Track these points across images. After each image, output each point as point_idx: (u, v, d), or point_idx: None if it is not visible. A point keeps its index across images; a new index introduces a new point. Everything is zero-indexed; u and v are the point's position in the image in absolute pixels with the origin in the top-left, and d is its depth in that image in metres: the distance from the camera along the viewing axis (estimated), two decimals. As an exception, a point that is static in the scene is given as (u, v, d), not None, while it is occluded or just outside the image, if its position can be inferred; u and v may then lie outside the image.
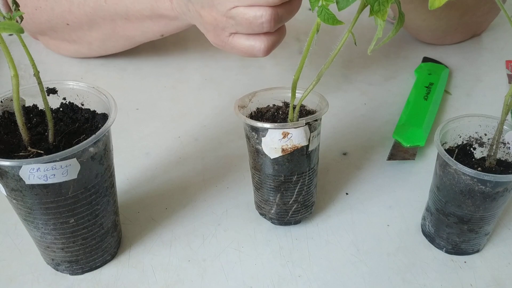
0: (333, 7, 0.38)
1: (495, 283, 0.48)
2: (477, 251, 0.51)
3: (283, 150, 0.46)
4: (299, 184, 0.49)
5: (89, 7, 0.65)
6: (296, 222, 0.53)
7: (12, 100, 0.40)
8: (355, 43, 0.43)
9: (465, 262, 0.50)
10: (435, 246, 0.51)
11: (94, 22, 0.67)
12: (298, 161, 0.48)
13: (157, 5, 0.62)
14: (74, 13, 0.66)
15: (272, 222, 0.53)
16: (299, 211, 0.52)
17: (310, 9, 0.43)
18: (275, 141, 0.46)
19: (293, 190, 0.50)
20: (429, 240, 0.52)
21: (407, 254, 0.51)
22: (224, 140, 0.65)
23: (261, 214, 0.54)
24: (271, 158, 0.47)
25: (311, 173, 0.50)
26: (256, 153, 0.48)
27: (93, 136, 0.41)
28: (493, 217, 0.48)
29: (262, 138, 0.46)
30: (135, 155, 0.63)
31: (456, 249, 0.50)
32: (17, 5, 0.38)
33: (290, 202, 0.51)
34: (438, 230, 0.50)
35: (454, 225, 0.49)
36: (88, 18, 0.66)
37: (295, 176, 0.49)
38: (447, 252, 0.51)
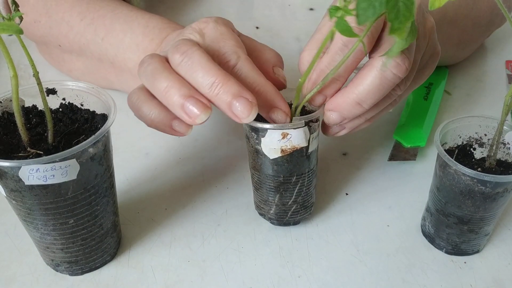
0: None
1: (495, 284, 0.48)
2: (477, 251, 0.51)
3: (282, 150, 0.46)
4: (298, 185, 0.49)
5: (86, 39, 0.64)
6: (295, 223, 0.53)
7: (11, 100, 0.40)
8: (366, 53, 0.43)
9: (465, 262, 0.50)
10: (435, 247, 0.51)
11: (84, 53, 0.66)
12: (298, 162, 0.48)
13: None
14: (69, 38, 0.65)
15: (271, 223, 0.53)
16: (298, 211, 0.52)
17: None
18: (275, 142, 0.46)
19: (292, 191, 0.50)
20: (429, 241, 0.52)
21: (407, 254, 0.51)
22: (224, 140, 0.65)
23: (260, 214, 0.54)
24: (270, 158, 0.47)
25: (310, 174, 0.50)
26: (256, 153, 0.48)
27: (93, 136, 0.41)
28: (493, 218, 0.48)
29: (262, 139, 0.46)
30: (134, 155, 0.63)
31: (456, 250, 0.50)
32: (16, 5, 0.38)
33: (289, 203, 0.51)
34: (438, 230, 0.50)
35: (454, 225, 0.49)
36: (81, 48, 0.65)
37: (294, 177, 0.49)
38: (447, 252, 0.51)
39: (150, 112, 0.45)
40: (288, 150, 0.46)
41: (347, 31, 0.38)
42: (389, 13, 0.35)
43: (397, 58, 0.43)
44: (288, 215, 0.52)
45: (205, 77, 0.43)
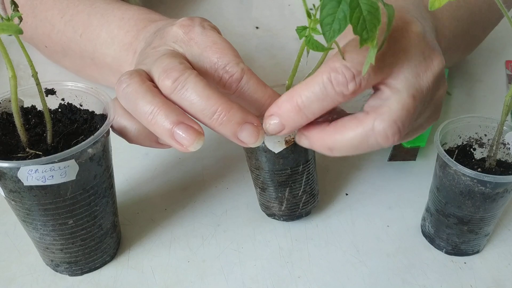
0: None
1: (495, 284, 0.48)
2: (477, 252, 0.51)
3: (286, 142, 0.46)
4: (305, 173, 0.49)
5: (66, 37, 0.63)
6: (307, 214, 0.53)
7: (10, 101, 0.40)
8: (343, 57, 0.43)
9: (465, 263, 0.50)
10: (435, 247, 0.51)
11: (66, 53, 0.65)
12: (301, 150, 0.48)
13: (119, 55, 0.57)
14: (52, 39, 0.65)
15: (283, 220, 0.53)
16: (308, 201, 0.52)
17: (311, 9, 0.42)
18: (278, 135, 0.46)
19: (301, 181, 0.50)
20: (429, 241, 0.52)
21: (407, 255, 0.51)
22: (223, 140, 0.64)
23: (269, 215, 0.54)
24: (276, 152, 0.47)
25: (313, 160, 0.50)
26: (259, 152, 0.48)
27: (92, 137, 0.41)
28: (493, 218, 0.48)
29: (264, 135, 0.46)
30: (134, 155, 0.62)
31: (456, 250, 0.50)
32: (15, 5, 0.38)
33: (299, 194, 0.51)
34: (438, 231, 0.50)
35: (454, 226, 0.48)
36: (62, 47, 0.64)
37: (301, 166, 0.49)
38: (447, 253, 0.51)
39: (131, 128, 0.43)
40: (292, 140, 0.46)
41: (319, 47, 0.38)
42: (355, 26, 0.35)
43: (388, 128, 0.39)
44: (300, 207, 0.52)
45: (205, 108, 0.40)
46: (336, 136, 0.41)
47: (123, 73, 0.43)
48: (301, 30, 0.39)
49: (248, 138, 0.41)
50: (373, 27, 0.35)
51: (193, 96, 0.40)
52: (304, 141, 0.44)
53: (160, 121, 0.40)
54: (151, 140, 0.44)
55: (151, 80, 0.43)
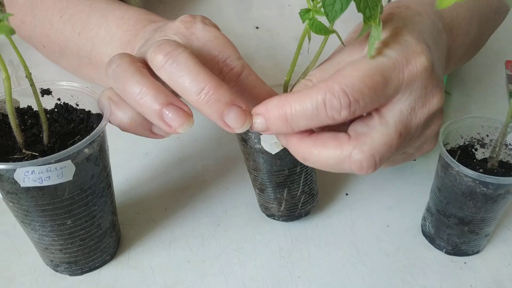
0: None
1: (495, 284, 0.48)
2: (477, 252, 0.51)
3: None
4: (303, 174, 0.49)
5: (64, 35, 0.63)
6: (306, 214, 0.53)
7: (6, 102, 0.40)
8: (342, 43, 0.43)
9: (465, 263, 0.50)
10: (435, 247, 0.51)
11: (64, 52, 0.65)
12: None
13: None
14: (50, 38, 0.64)
15: (283, 220, 0.53)
16: (307, 201, 0.52)
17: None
18: (274, 136, 0.46)
19: (299, 182, 0.50)
20: (429, 241, 0.52)
21: (407, 254, 0.51)
22: (223, 140, 0.65)
23: (268, 215, 0.54)
24: (273, 154, 0.47)
25: None
26: (256, 154, 0.48)
27: (87, 137, 0.41)
28: (494, 219, 0.48)
29: (261, 136, 0.46)
30: (134, 155, 0.62)
31: (456, 250, 0.50)
32: (1, 4, 0.37)
33: (298, 195, 0.51)
34: (439, 231, 0.50)
35: (455, 226, 0.48)
36: (60, 46, 0.64)
37: (299, 167, 0.49)
38: (447, 253, 0.51)
39: (124, 116, 0.42)
40: None
41: (322, 30, 0.38)
42: (358, 4, 0.35)
43: (362, 158, 0.38)
44: (299, 208, 0.52)
45: (194, 83, 0.38)
46: (312, 150, 0.40)
47: (114, 55, 0.42)
48: (304, 12, 0.38)
49: (234, 121, 0.39)
50: (375, 5, 0.35)
51: (183, 71, 0.39)
52: (282, 140, 0.43)
53: (149, 102, 0.39)
54: (144, 128, 0.43)
55: (144, 64, 0.42)
